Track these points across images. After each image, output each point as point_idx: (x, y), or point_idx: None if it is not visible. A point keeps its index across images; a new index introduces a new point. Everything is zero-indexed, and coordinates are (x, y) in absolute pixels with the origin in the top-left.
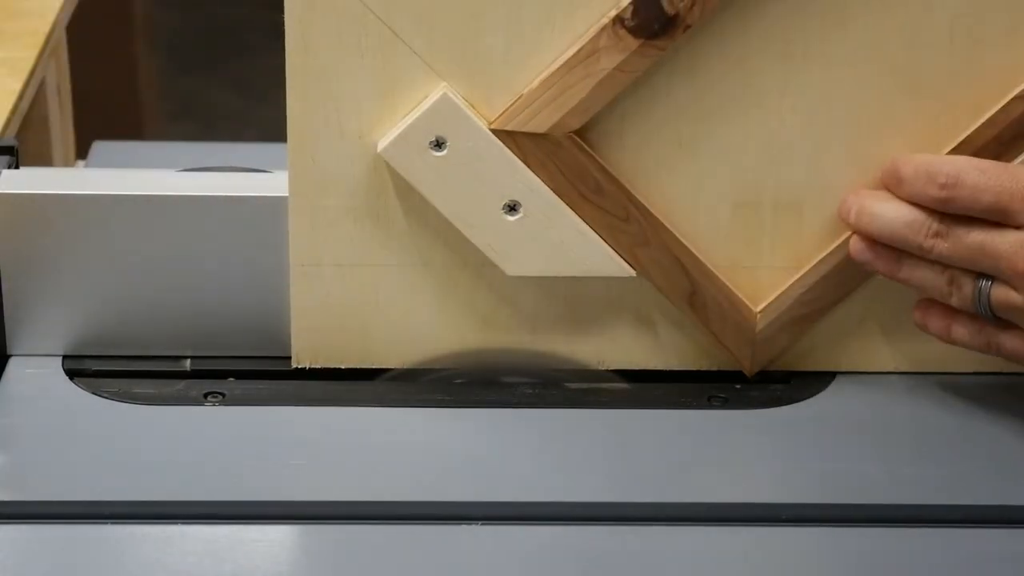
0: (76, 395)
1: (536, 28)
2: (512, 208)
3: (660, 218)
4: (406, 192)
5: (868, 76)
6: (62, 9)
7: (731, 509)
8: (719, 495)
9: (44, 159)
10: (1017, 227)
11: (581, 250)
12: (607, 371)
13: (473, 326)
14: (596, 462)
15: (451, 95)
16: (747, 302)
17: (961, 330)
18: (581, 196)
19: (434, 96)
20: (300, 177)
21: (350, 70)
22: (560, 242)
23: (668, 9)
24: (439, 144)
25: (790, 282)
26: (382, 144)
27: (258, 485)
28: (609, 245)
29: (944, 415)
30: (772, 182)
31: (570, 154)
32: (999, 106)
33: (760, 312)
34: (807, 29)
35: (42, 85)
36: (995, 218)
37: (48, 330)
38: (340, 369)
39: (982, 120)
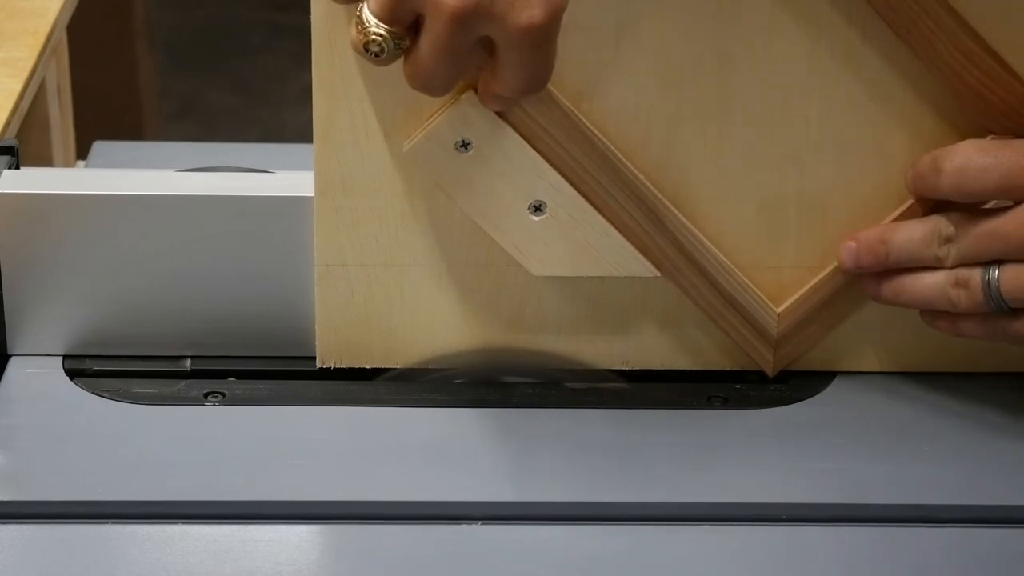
0: (76, 395)
1: (563, 26)
2: (537, 208)
3: (685, 218)
4: (431, 192)
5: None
6: (62, 9)
7: (731, 509)
8: (719, 495)
9: (44, 159)
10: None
11: (606, 250)
12: (607, 371)
13: (498, 326)
14: (596, 462)
15: (476, 95)
16: (769, 302)
17: (969, 324)
18: (609, 196)
19: (460, 96)
20: (325, 177)
21: (375, 70)
22: (585, 242)
23: None
24: (465, 144)
25: (813, 282)
26: (408, 144)
27: (258, 485)
28: (635, 245)
29: (944, 415)
30: (796, 182)
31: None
32: None
33: (781, 313)
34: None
35: (42, 85)
36: (1005, 196)
37: (48, 330)
38: (340, 369)
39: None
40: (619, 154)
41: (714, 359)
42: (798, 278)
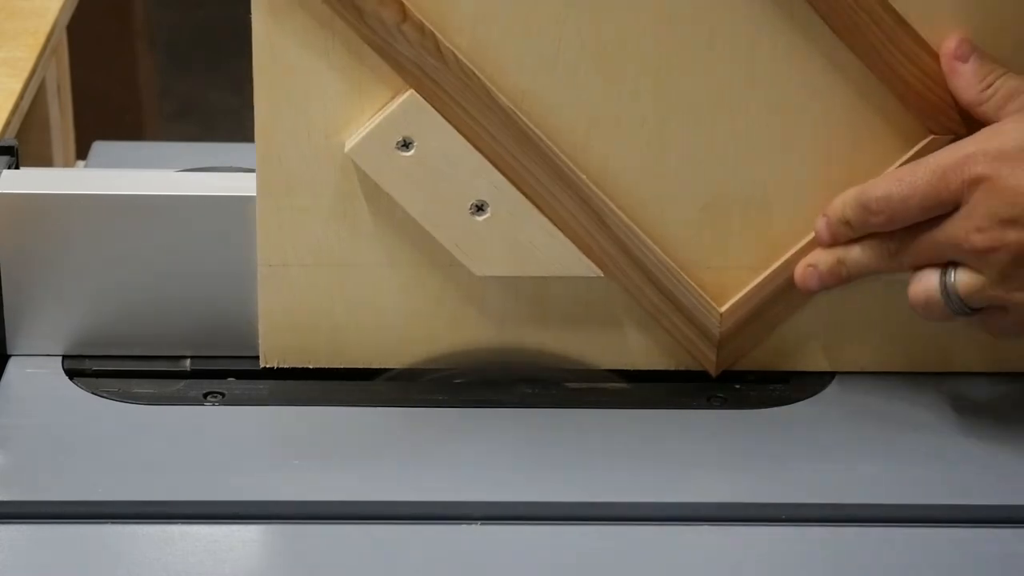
0: (76, 395)
1: (503, 28)
2: (479, 208)
3: (628, 218)
4: (373, 192)
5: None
6: (62, 9)
7: (731, 509)
8: (719, 495)
9: (44, 159)
10: (955, 210)
11: (549, 250)
12: (607, 371)
13: (441, 325)
14: (596, 462)
15: (419, 95)
16: (712, 302)
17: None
18: (552, 196)
19: (401, 96)
20: (268, 177)
21: (317, 70)
22: (528, 242)
23: None
24: (406, 144)
25: (756, 281)
26: (349, 144)
27: (258, 485)
28: (577, 246)
29: (944, 415)
30: (740, 181)
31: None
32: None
33: (724, 312)
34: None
35: (42, 85)
36: (935, 213)
37: (48, 330)
38: (340, 369)
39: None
40: (561, 154)
41: (656, 360)
42: (742, 278)
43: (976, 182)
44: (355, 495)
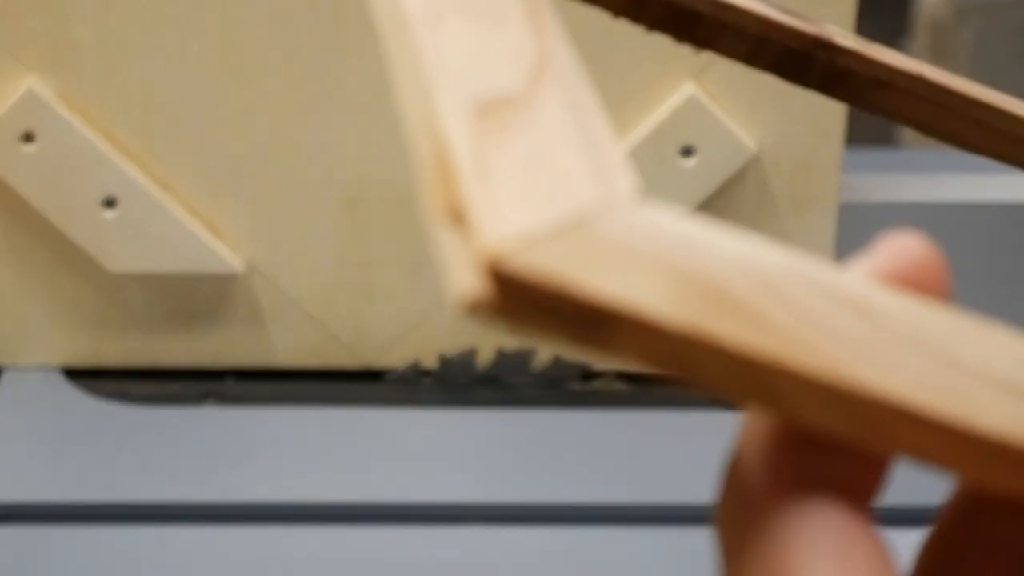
0: (76, 395)
1: (126, 20)
2: (110, 203)
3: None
4: (2, 187)
5: None
6: None
7: None
8: None
9: None
10: None
11: (185, 246)
12: (607, 371)
13: (85, 327)
14: (596, 462)
15: (37, 88)
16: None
17: None
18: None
19: (20, 90)
20: None
21: None
22: (162, 238)
23: None
24: (29, 138)
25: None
26: None
27: (258, 485)
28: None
29: None
30: (379, 176)
31: None
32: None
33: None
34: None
35: None
36: None
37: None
38: (340, 369)
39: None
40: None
41: (304, 358)
42: (388, 275)
43: None
44: (355, 495)
